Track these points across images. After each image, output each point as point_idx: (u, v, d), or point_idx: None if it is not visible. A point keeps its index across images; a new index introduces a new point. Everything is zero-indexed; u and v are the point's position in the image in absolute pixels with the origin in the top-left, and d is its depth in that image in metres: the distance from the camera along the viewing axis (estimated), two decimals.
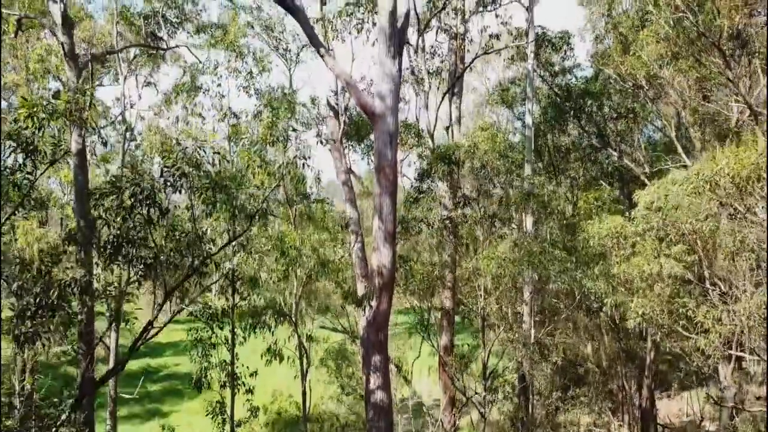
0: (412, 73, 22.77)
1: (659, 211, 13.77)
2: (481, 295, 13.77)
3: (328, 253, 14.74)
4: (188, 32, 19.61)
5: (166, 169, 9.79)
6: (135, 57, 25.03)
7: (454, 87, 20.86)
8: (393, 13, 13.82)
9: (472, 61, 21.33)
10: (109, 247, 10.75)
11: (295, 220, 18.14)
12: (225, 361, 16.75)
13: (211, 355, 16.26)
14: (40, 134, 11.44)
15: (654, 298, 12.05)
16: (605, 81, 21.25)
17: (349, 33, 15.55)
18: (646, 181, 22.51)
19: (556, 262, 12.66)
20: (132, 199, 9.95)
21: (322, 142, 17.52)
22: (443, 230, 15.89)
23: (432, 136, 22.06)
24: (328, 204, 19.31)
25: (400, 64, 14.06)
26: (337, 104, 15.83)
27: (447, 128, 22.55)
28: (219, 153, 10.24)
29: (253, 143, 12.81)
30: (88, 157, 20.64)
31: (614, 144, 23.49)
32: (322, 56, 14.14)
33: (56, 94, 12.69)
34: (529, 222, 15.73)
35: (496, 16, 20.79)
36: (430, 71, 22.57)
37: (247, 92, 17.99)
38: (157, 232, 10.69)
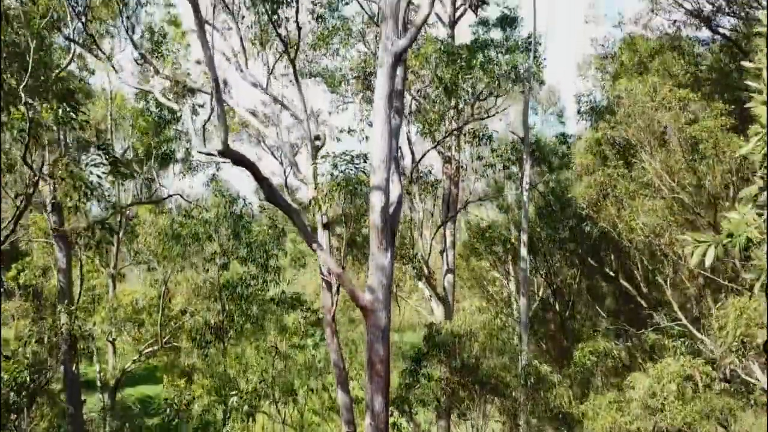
0: (408, 192, 22.69)
1: (660, 411, 13.68)
2: None
3: None
4: (182, 172, 19.58)
5: None
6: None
7: (447, 222, 20.78)
8: (384, 210, 13.64)
9: (465, 205, 21.24)
10: None
11: None
12: None
13: None
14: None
15: None
16: None
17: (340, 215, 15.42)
18: (642, 302, 22.38)
19: None
20: None
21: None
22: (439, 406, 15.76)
23: (427, 263, 21.95)
24: None
25: (392, 255, 13.87)
26: (330, 278, 15.72)
27: (441, 252, 22.47)
28: None
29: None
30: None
31: (610, 259, 23.43)
32: (314, 251, 14.01)
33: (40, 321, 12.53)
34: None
35: (492, 150, 20.73)
36: (422, 191, 22.57)
37: (238, 239, 17.87)
38: None
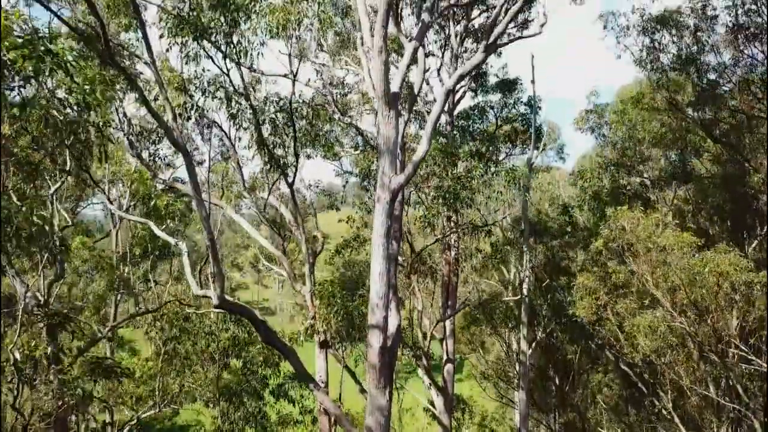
0: (407, 276, 22.58)
1: None
2: None
3: None
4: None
5: None
6: None
7: (446, 319, 20.64)
8: (383, 349, 13.44)
9: (464, 306, 21.09)
10: None
11: None
12: None
13: None
14: None
15: None
16: None
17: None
18: (642, 387, 22.16)
19: None
20: None
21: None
22: None
23: (426, 354, 21.78)
24: None
25: (390, 393, 13.69)
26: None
27: (441, 340, 22.31)
28: None
29: None
30: None
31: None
32: (312, 390, 13.90)
33: None
34: None
35: (491, 245, 20.61)
36: (420, 281, 22.44)
37: (237, 346, 17.77)
38: None
